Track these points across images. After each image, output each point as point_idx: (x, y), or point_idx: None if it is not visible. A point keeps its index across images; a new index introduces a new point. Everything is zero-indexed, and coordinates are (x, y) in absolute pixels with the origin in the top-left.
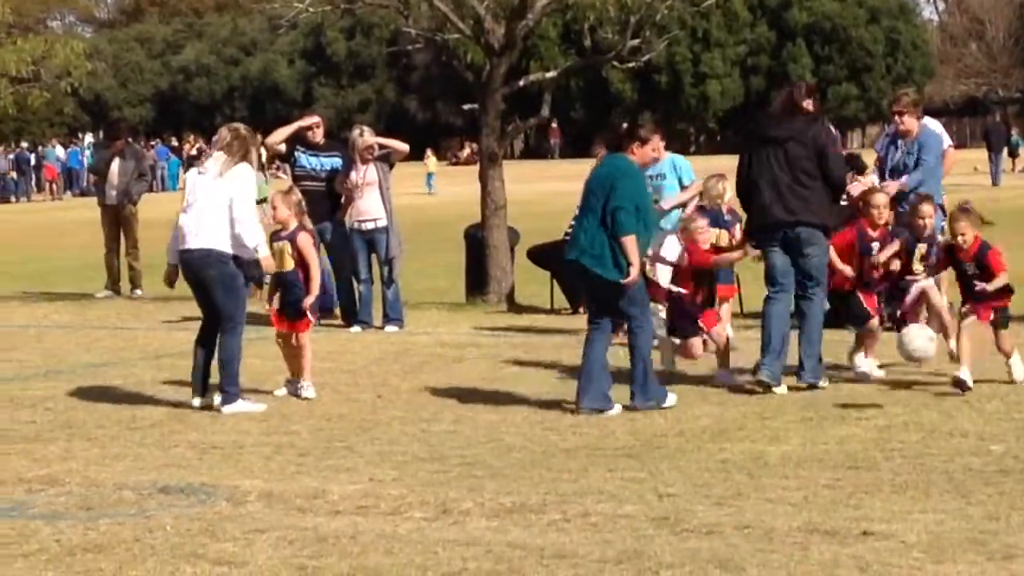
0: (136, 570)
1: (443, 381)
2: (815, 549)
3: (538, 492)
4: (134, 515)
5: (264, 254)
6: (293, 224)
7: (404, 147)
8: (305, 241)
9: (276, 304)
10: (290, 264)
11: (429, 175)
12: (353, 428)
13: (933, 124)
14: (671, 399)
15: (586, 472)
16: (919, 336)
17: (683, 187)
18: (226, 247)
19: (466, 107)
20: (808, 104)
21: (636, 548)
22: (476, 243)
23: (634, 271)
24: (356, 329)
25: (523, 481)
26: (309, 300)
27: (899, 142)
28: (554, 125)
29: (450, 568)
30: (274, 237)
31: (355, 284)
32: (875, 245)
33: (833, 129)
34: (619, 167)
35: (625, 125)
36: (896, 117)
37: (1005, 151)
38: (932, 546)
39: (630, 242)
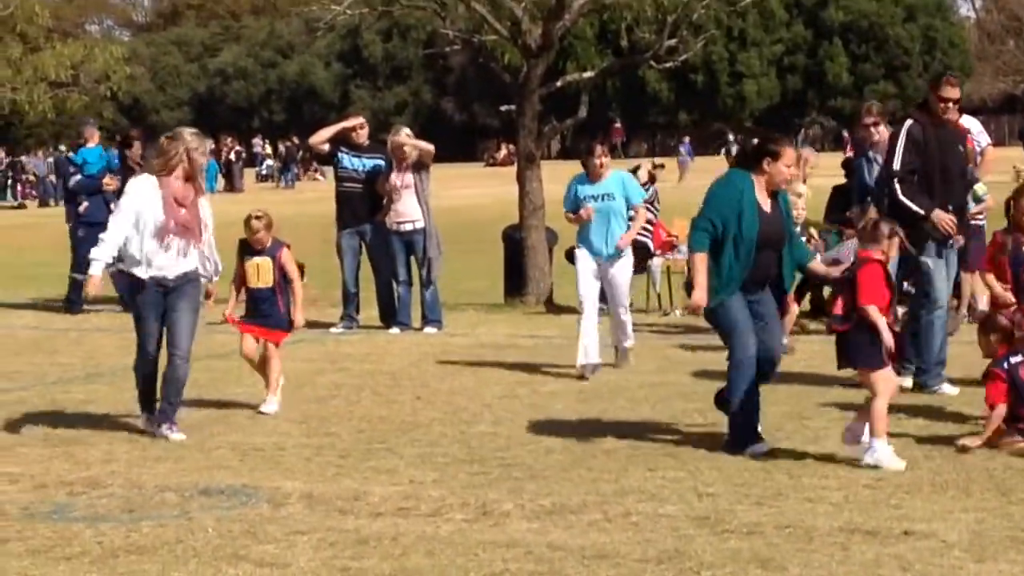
0: (178, 572)
1: (482, 383)
2: (856, 549)
3: (578, 493)
4: (176, 517)
5: (91, 272)
6: (270, 241)
7: (428, 147)
8: (288, 257)
9: (236, 315)
10: (266, 280)
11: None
12: (393, 430)
13: (971, 122)
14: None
15: (626, 472)
16: None
17: (631, 206)
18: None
19: (503, 108)
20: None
21: (677, 548)
22: (514, 244)
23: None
24: (395, 331)
25: (563, 482)
26: (299, 316)
27: (870, 154)
28: (617, 124)
29: (491, 569)
30: (251, 253)
31: (394, 286)
32: None
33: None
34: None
35: (756, 140)
36: (871, 128)
37: None
38: (973, 545)
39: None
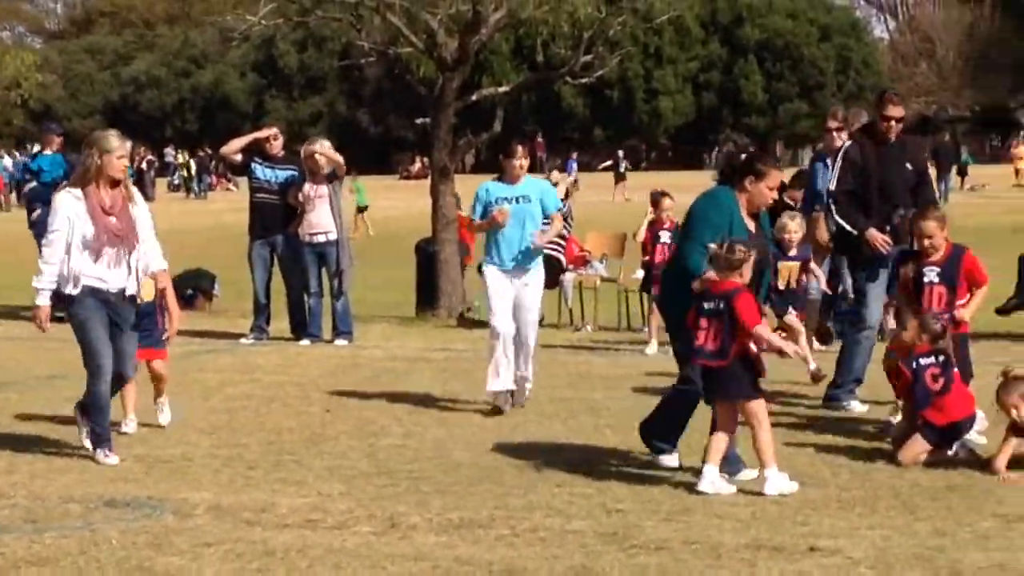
0: None
1: (392, 396)
2: (763, 565)
3: (486, 507)
4: (79, 528)
5: (38, 303)
6: None
7: (338, 159)
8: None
9: None
10: (148, 294)
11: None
12: (302, 442)
13: None
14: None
15: (534, 487)
16: None
17: (546, 215)
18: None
19: (418, 121)
20: None
21: (584, 564)
22: (427, 257)
23: None
24: (306, 342)
25: (471, 496)
26: (172, 329)
27: (828, 161)
28: (540, 139)
29: None
30: None
31: (306, 297)
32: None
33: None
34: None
35: (744, 156)
36: (834, 134)
37: (954, 170)
38: (879, 562)
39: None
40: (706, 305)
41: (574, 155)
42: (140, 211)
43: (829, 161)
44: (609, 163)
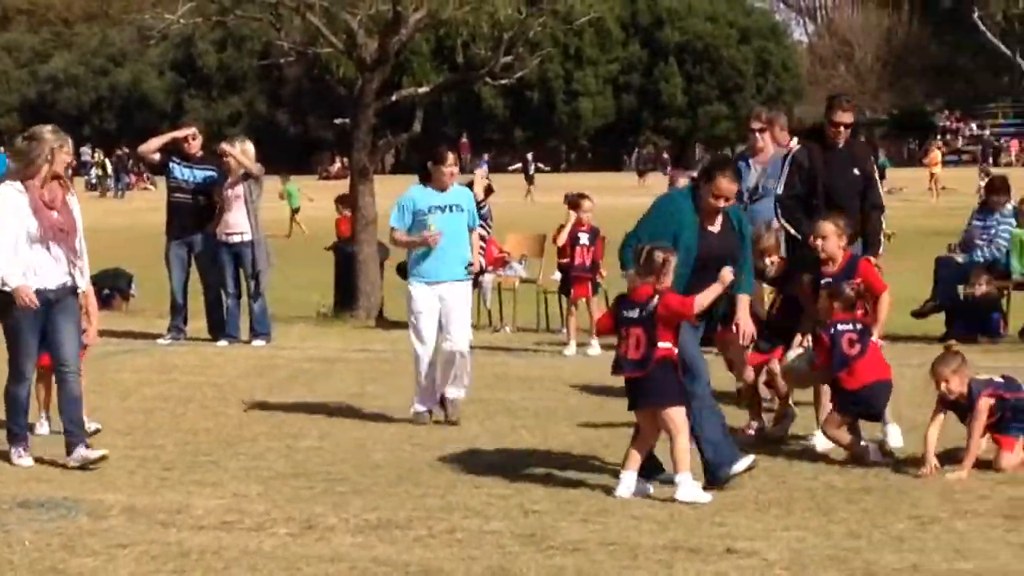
0: None
1: (310, 397)
2: (679, 566)
3: (404, 508)
4: None
5: (15, 284)
6: None
7: (251, 167)
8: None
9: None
10: None
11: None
12: (219, 443)
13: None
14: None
15: (453, 488)
16: None
17: (470, 229)
18: None
19: (337, 121)
20: None
21: (502, 565)
22: (346, 258)
23: None
24: (223, 343)
25: (389, 497)
26: (92, 331)
27: (751, 162)
28: (464, 139)
29: None
30: None
31: (223, 297)
32: None
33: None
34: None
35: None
36: (757, 134)
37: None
38: (794, 563)
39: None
40: (626, 313)
41: (485, 156)
42: (75, 206)
43: (752, 162)
44: (519, 165)
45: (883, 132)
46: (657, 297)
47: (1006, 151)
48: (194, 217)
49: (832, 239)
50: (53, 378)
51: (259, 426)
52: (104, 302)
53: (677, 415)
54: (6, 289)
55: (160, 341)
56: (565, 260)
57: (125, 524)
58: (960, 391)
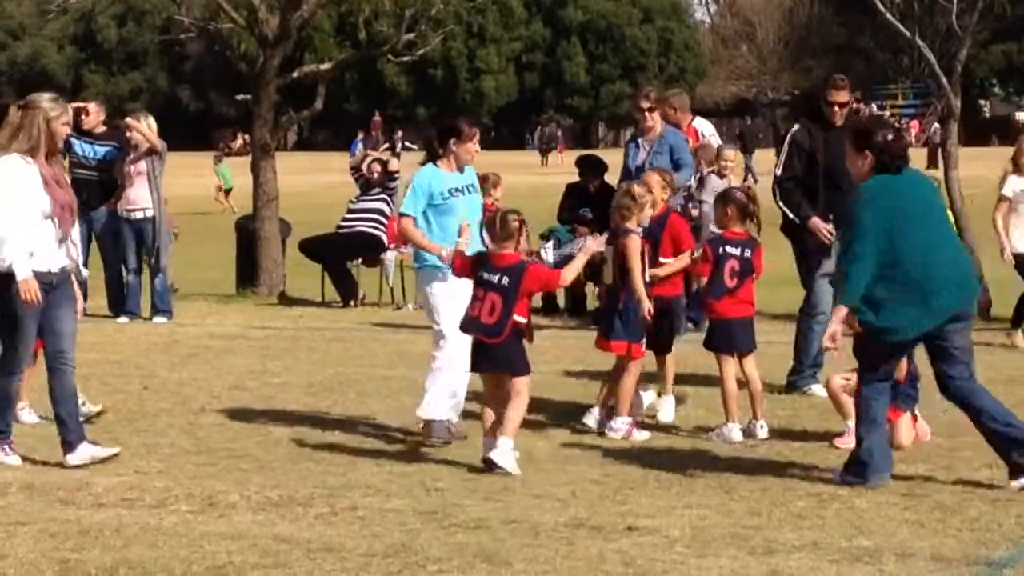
0: None
1: (212, 373)
2: (581, 544)
3: (305, 486)
4: None
5: (22, 276)
6: None
7: (153, 139)
8: None
9: None
10: None
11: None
12: (119, 420)
13: (704, 124)
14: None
15: (354, 466)
16: None
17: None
18: None
19: (239, 97)
20: None
21: (404, 542)
22: (247, 235)
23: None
24: (123, 320)
25: (290, 474)
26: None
27: (640, 141)
28: (377, 117)
29: (215, 561)
30: None
31: (124, 273)
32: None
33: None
34: None
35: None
36: (645, 113)
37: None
38: (695, 540)
39: None
40: (486, 276)
41: (399, 132)
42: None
43: (640, 141)
44: (387, 145)
45: (785, 113)
46: (524, 265)
47: (906, 131)
48: (95, 193)
49: (652, 193)
50: (32, 365)
51: (160, 403)
52: None
53: (522, 385)
54: (10, 272)
55: None
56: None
57: (24, 501)
58: None
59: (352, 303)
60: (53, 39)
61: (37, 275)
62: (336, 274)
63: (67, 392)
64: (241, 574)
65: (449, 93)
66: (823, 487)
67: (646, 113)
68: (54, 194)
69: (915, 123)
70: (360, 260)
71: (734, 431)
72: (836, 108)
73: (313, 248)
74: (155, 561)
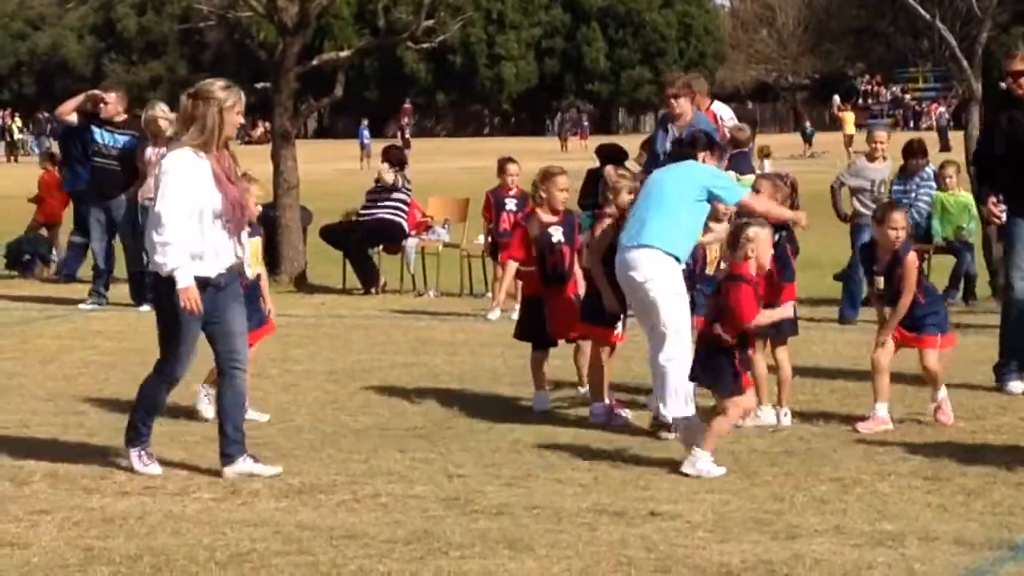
0: None
1: None
2: (603, 529)
3: (328, 473)
4: None
5: (183, 284)
6: None
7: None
8: None
9: None
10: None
11: None
12: None
13: (723, 109)
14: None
15: (376, 453)
16: None
17: None
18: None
19: (259, 86)
20: None
21: (426, 528)
22: (268, 222)
23: None
24: (145, 308)
25: (313, 462)
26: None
27: (669, 127)
28: (407, 104)
29: (238, 548)
30: None
31: (145, 262)
32: None
33: None
34: None
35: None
36: (672, 100)
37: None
38: (717, 526)
39: None
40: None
41: (364, 121)
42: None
43: (671, 127)
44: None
45: (805, 97)
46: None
47: (926, 115)
48: (115, 182)
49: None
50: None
51: (181, 390)
52: (26, 268)
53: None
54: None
55: (82, 307)
56: (491, 224)
57: (48, 490)
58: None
59: (373, 290)
60: (73, 29)
61: (204, 279)
62: (357, 261)
63: (237, 402)
64: (264, 561)
65: (469, 79)
66: (845, 471)
67: (672, 100)
68: (226, 191)
69: (935, 106)
70: (381, 247)
71: (767, 413)
72: (1020, 79)
73: (334, 235)
74: (178, 548)
